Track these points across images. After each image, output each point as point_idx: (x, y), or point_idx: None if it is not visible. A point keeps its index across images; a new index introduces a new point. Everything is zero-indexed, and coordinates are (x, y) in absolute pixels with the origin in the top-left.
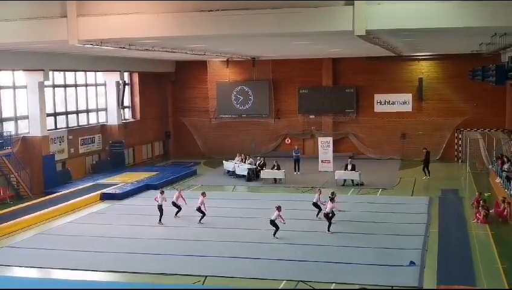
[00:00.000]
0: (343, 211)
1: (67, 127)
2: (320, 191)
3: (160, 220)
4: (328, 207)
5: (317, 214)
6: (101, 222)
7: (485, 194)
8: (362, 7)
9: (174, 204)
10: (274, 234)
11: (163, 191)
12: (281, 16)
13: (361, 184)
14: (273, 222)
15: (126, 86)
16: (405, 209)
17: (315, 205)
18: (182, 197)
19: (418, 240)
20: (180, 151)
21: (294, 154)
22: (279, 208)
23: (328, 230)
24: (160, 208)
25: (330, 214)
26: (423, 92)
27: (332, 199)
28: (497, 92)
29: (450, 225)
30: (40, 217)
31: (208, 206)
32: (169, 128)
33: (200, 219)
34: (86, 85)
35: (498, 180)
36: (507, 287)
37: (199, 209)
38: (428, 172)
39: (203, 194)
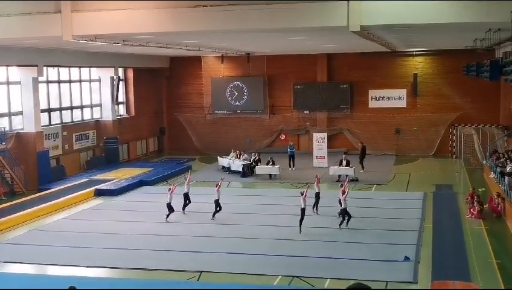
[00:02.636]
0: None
1: (62, 123)
2: (308, 186)
3: (167, 216)
4: (343, 202)
5: (313, 206)
6: (95, 218)
7: (479, 189)
8: (357, 3)
9: (186, 195)
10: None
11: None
12: (275, 12)
13: (356, 180)
14: (303, 210)
15: (120, 82)
16: (399, 205)
17: (317, 195)
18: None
19: (413, 236)
20: (175, 147)
21: (289, 150)
22: (303, 194)
23: (340, 225)
24: (169, 205)
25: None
26: (418, 87)
27: (344, 193)
28: (491, 88)
29: (444, 220)
30: (34, 213)
31: (204, 202)
32: (164, 124)
33: (214, 214)
34: (80, 81)
35: (492, 175)
36: (501, 282)
37: (216, 202)
38: (363, 166)
39: (222, 180)
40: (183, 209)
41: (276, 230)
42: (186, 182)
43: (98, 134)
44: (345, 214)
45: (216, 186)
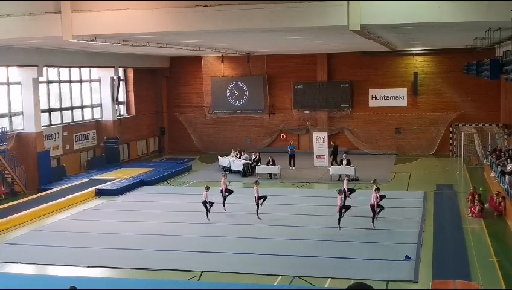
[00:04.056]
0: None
1: (62, 123)
2: (348, 177)
3: (207, 216)
4: (373, 198)
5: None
6: (96, 218)
7: (480, 188)
8: (357, 2)
9: (222, 192)
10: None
11: (208, 188)
12: (276, 11)
13: (356, 179)
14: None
15: (121, 82)
16: (400, 204)
17: (344, 191)
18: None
19: (413, 235)
20: (175, 147)
21: (289, 149)
22: (340, 192)
23: (372, 222)
24: (204, 203)
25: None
26: (418, 87)
27: (377, 189)
28: (491, 87)
29: (445, 219)
30: (35, 213)
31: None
32: (164, 124)
33: (257, 211)
34: (81, 81)
35: (492, 174)
36: (502, 281)
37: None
38: (338, 163)
39: (256, 182)
40: (223, 205)
41: (276, 230)
42: (222, 180)
43: (99, 134)
44: (376, 208)
45: (256, 185)
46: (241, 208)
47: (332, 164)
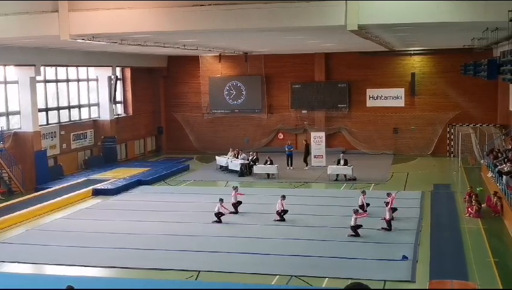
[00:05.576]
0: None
1: (59, 122)
2: (365, 193)
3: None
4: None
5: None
6: (93, 217)
7: (477, 188)
8: (354, 2)
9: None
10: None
11: (222, 200)
12: (273, 11)
13: (354, 179)
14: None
15: (118, 81)
16: (397, 204)
17: (361, 207)
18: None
19: (411, 235)
20: (173, 147)
21: (287, 149)
22: (356, 212)
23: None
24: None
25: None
26: (415, 86)
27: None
28: (488, 87)
29: (442, 219)
30: (32, 212)
31: (204, 202)
32: (162, 123)
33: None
34: (78, 80)
35: (490, 174)
36: (499, 281)
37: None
38: (306, 163)
39: (283, 197)
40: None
41: (274, 229)
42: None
43: (96, 133)
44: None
45: (281, 199)
46: (239, 208)
47: (306, 163)
